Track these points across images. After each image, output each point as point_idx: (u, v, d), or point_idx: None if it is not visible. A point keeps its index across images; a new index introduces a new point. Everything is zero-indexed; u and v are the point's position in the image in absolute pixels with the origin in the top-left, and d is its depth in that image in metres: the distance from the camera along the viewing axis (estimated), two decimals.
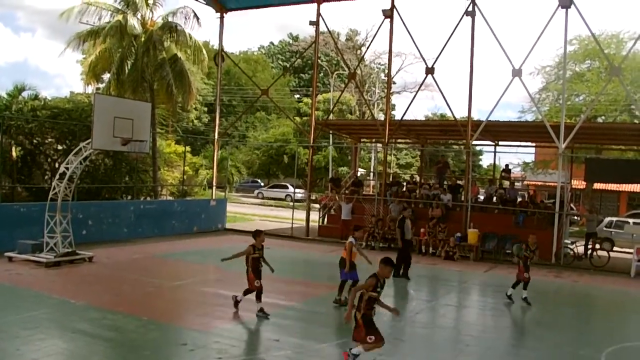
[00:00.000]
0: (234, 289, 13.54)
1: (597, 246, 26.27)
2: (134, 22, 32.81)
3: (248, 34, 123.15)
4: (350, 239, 14.46)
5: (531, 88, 43.62)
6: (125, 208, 25.42)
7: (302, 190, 45.55)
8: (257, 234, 12.92)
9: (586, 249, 26.19)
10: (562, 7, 24.58)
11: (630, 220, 34.59)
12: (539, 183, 45.78)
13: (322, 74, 70.56)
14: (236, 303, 12.91)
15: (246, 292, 12.80)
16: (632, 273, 22.55)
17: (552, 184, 28.74)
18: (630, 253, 24.22)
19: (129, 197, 29.62)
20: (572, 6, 24.47)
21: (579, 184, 39.71)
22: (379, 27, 28.60)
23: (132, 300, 14.00)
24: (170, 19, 33.94)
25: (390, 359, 10.46)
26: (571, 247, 25.66)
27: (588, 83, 39.21)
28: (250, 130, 72.29)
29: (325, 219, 30.91)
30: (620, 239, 30.98)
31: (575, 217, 35.99)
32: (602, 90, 31.07)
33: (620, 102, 38.47)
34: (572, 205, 36.82)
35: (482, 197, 29.78)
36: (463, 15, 26.24)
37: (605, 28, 43.34)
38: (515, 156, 62.47)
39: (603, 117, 40.91)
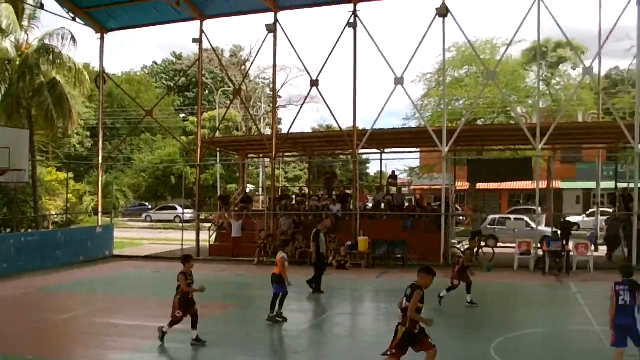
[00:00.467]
0: (125, 318, 13.18)
1: (483, 243, 27.32)
2: (6, 45, 31.55)
3: (130, 54, 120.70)
4: (282, 254, 14.49)
5: (413, 95, 44.89)
6: (4, 242, 24.11)
7: (191, 211, 44.99)
8: (186, 259, 12.46)
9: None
10: (439, 16, 25.53)
11: (512, 217, 36.17)
12: (425, 187, 47.04)
13: (207, 91, 69.97)
14: (198, 339, 12.13)
15: (193, 323, 12.11)
16: (515, 266, 23.62)
17: (438, 187, 29.64)
18: (513, 247, 25.29)
19: (8, 230, 28.30)
20: (449, 15, 25.44)
21: (463, 185, 41.12)
22: (263, 42, 28.77)
23: (14, 338, 13.18)
24: (47, 42, 32.77)
25: None
26: (458, 246, 26.53)
27: (467, 88, 40.59)
28: (135, 153, 70.62)
29: (216, 238, 30.50)
30: (503, 235, 32.33)
31: (461, 217, 37.20)
32: (480, 94, 32.33)
33: (497, 104, 40.16)
34: (457, 206, 38.09)
35: (370, 205, 30.32)
36: (345, 27, 26.75)
37: (480, 35, 45.14)
38: (401, 162, 63.89)
39: (482, 120, 42.54)
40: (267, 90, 65.98)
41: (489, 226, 32.92)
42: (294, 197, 31.68)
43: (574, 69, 43.46)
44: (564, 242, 23.81)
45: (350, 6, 26.72)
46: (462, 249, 17.70)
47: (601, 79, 34.97)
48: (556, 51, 43.36)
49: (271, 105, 38.51)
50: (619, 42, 36.91)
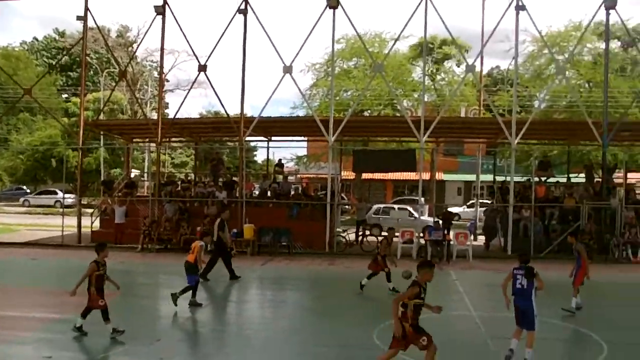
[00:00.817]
0: (3, 308, 12.51)
1: (367, 232, 27.87)
2: None
3: (8, 27, 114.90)
4: (201, 242, 14.58)
5: (302, 84, 45.08)
6: None
7: (72, 195, 43.36)
8: (100, 248, 11.82)
9: (357, 236, 27.64)
10: (330, 8, 25.74)
11: (396, 206, 37.08)
12: (312, 176, 47.48)
13: (91, 72, 67.52)
14: (79, 329, 11.46)
15: (85, 313, 11.42)
16: (398, 255, 24.17)
17: (324, 175, 29.95)
18: (397, 236, 25.90)
19: None
20: (339, 7, 25.70)
21: (349, 174, 41.72)
22: (151, 24, 28.01)
23: None
24: None
25: None
26: (343, 235, 26.93)
27: (355, 79, 41.13)
28: (12, 134, 67.19)
29: (99, 224, 29.59)
30: (387, 224, 33.01)
31: (347, 207, 37.78)
32: (367, 86, 32.84)
33: (384, 97, 40.96)
34: (343, 195, 38.65)
35: (257, 193, 30.27)
36: (235, 13, 26.50)
37: (369, 28, 45.86)
38: (288, 150, 64.20)
39: (369, 111, 43.30)
40: (155, 74, 64.46)
41: (373, 215, 33.60)
42: (179, 183, 31.17)
43: (458, 66, 44.94)
44: (445, 232, 24.62)
45: None
46: (379, 239, 18.13)
47: (483, 77, 36.39)
48: (442, 48, 44.64)
49: (158, 89, 37.67)
50: (500, 43, 38.49)
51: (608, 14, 26.02)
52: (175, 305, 13.93)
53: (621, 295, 17.39)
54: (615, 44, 41.47)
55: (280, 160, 34.33)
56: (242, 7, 26.45)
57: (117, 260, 22.55)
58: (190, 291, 14.26)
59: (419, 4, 25.49)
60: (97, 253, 11.73)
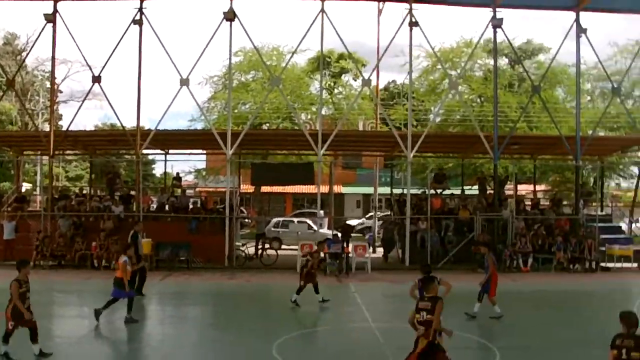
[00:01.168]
0: None
1: (267, 246, 27.78)
2: None
3: None
4: (123, 257, 14.47)
5: (201, 97, 44.70)
6: None
7: None
8: (22, 265, 11.17)
9: (257, 250, 27.47)
10: (227, 20, 25.63)
11: (295, 220, 37.10)
12: (211, 189, 46.94)
13: None
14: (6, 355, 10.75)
15: (6, 338, 10.74)
16: (297, 267, 24.13)
17: (223, 189, 29.64)
18: (296, 249, 25.92)
19: None
20: (236, 19, 25.60)
21: (248, 188, 41.52)
22: (40, 33, 27.05)
23: None
24: None
25: None
26: (242, 249, 26.73)
27: (253, 92, 41.04)
28: None
29: None
30: (287, 237, 33.05)
31: (246, 220, 37.55)
32: (265, 99, 32.84)
33: (282, 110, 41.00)
34: (242, 208, 38.40)
35: (154, 206, 29.64)
36: (130, 24, 25.95)
37: (267, 41, 45.69)
38: (187, 164, 63.20)
39: (268, 125, 43.22)
40: (47, 84, 62.11)
41: (273, 229, 33.51)
42: (73, 197, 30.10)
43: (355, 80, 45.58)
44: (345, 244, 24.79)
45: (137, 2, 25.98)
46: (310, 252, 18.16)
47: (379, 91, 37.03)
48: (339, 62, 45.19)
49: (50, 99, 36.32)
50: (396, 58, 39.26)
51: (495, 32, 27.17)
52: (97, 320, 13.68)
53: (514, 304, 17.97)
54: (503, 61, 43.16)
55: (178, 173, 33.72)
56: (137, 17, 25.92)
57: (6, 278, 21.62)
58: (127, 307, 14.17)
59: (316, 18, 25.78)
60: (19, 270, 11.19)
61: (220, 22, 25.74)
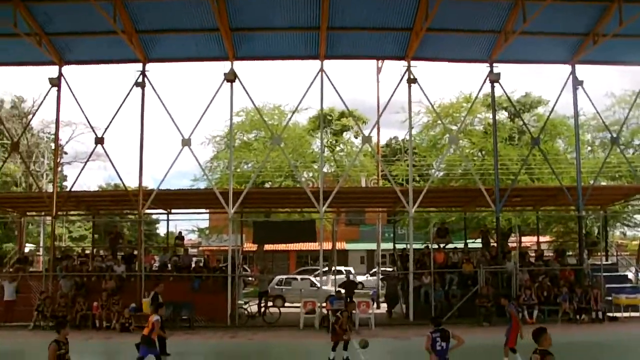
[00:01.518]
0: None
1: (270, 304, 27.64)
2: None
3: None
4: (156, 316, 14.97)
5: (203, 157, 44.95)
6: None
7: None
8: (61, 325, 11.04)
9: (259, 308, 27.31)
10: (227, 81, 26.08)
11: (298, 277, 36.99)
12: (214, 248, 46.95)
13: None
14: None
15: None
16: (301, 325, 24.03)
17: (226, 247, 29.64)
18: (299, 307, 25.77)
19: None
20: (237, 80, 26.04)
21: (251, 246, 41.49)
22: (45, 96, 27.49)
23: None
24: None
25: None
26: (245, 307, 26.59)
27: (255, 151, 41.36)
28: None
29: None
30: (290, 294, 32.89)
31: (249, 278, 37.42)
32: (266, 157, 33.08)
33: (284, 168, 41.26)
34: (245, 266, 38.33)
35: (157, 266, 29.59)
36: (133, 86, 26.41)
37: (268, 100, 46.24)
38: (190, 223, 63.34)
39: (270, 183, 43.46)
40: (52, 145, 62.64)
41: (276, 286, 33.39)
42: (76, 257, 30.09)
43: (356, 137, 45.93)
44: (348, 300, 24.62)
45: (139, 65, 26.48)
46: (339, 313, 18.39)
47: (381, 147, 37.34)
48: (340, 120, 45.66)
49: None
50: (397, 114, 39.74)
51: (493, 87, 27.53)
52: None
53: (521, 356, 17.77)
54: (503, 115, 43.51)
55: (180, 232, 33.81)
56: (140, 80, 26.39)
57: (9, 340, 21.54)
58: None
59: (315, 77, 26.19)
60: (58, 331, 10.98)
61: (222, 84, 26.18)
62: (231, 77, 26.07)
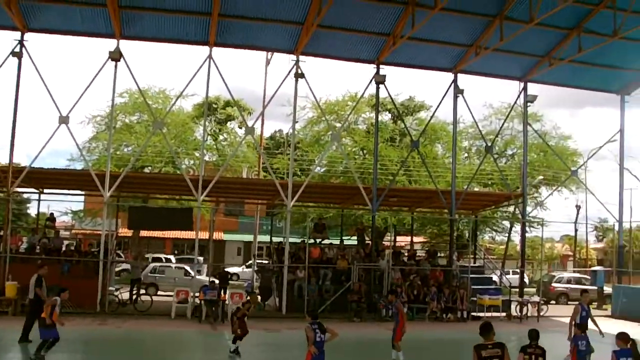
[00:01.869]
0: None
1: (142, 291, 27.07)
2: None
3: None
4: (56, 299, 14.83)
5: (82, 137, 43.21)
6: None
7: None
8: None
9: (131, 295, 26.67)
10: (112, 60, 25.16)
11: (173, 265, 36.44)
12: (88, 231, 45.50)
13: None
14: None
15: None
16: (172, 314, 23.69)
17: (100, 232, 28.70)
18: (172, 296, 25.39)
19: None
20: (122, 60, 25.21)
21: (126, 231, 40.48)
22: None
23: None
24: None
25: None
26: (116, 294, 25.90)
27: (136, 135, 40.28)
28: None
29: None
30: (163, 283, 32.36)
31: (123, 264, 36.48)
32: (147, 141, 32.31)
33: (165, 154, 40.39)
34: (120, 252, 37.37)
35: (24, 247, 28.31)
36: (9, 56, 25.10)
37: (154, 84, 45.11)
38: (63, 205, 61.02)
39: (150, 168, 42.48)
40: None
41: (150, 274, 32.75)
42: None
43: (241, 128, 45.69)
44: (222, 292, 24.51)
45: (17, 34, 25.18)
46: (242, 302, 18.11)
47: (264, 140, 37.32)
48: (225, 109, 45.28)
49: None
50: (283, 107, 39.90)
51: (378, 88, 28.12)
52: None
53: (382, 350, 18.24)
54: (386, 116, 44.53)
55: (52, 214, 32.51)
56: (17, 49, 25.11)
57: None
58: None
59: (203, 63, 25.80)
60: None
61: (106, 62, 25.29)
62: (116, 55, 25.23)
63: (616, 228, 33.20)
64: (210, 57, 25.93)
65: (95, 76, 25.26)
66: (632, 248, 56.96)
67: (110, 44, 25.64)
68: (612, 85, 31.71)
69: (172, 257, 46.36)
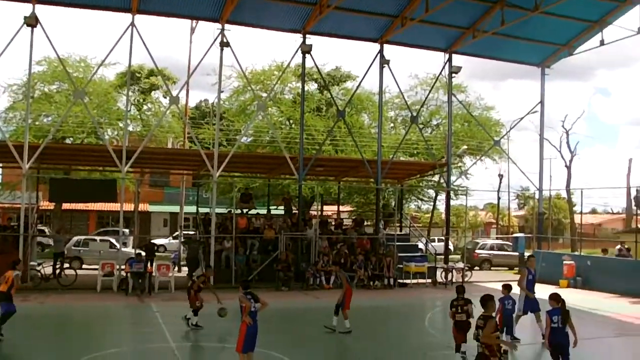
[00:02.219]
0: None
1: (66, 265, 26.51)
2: None
3: None
4: (16, 272, 14.95)
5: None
6: None
7: None
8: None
9: (54, 269, 26.07)
10: (27, 26, 24.05)
11: (97, 238, 35.76)
12: (6, 205, 44.20)
13: None
14: None
15: None
16: (98, 288, 23.32)
17: (19, 205, 27.86)
18: (97, 269, 24.96)
19: None
20: (39, 25, 24.16)
21: (48, 204, 39.46)
22: None
23: None
24: None
25: None
26: (38, 268, 25.27)
27: (57, 104, 39.16)
28: None
29: None
30: (88, 256, 31.77)
31: (45, 238, 35.62)
32: (68, 111, 31.38)
33: (87, 124, 39.39)
34: (43, 227, 36.43)
35: None
36: None
37: (74, 51, 43.85)
38: None
39: (71, 139, 41.36)
40: None
41: (73, 247, 32.10)
42: None
43: (165, 97, 44.91)
44: (149, 264, 24.20)
45: None
46: (196, 276, 18.01)
47: (190, 110, 36.81)
48: (149, 78, 44.38)
49: None
50: (208, 77, 39.45)
51: (304, 58, 28.01)
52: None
53: (311, 319, 18.46)
54: (312, 86, 44.51)
55: None
56: None
57: None
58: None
59: (125, 31, 25.11)
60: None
61: (20, 27, 24.17)
62: (32, 21, 24.08)
63: (536, 196, 34.29)
64: (132, 24, 25.21)
65: (9, 43, 24.07)
66: (551, 215, 59.12)
67: (25, 8, 24.53)
68: (533, 57, 32.52)
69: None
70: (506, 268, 38.14)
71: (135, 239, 31.44)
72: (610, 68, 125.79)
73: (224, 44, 26.29)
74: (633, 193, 47.89)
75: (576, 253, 31.90)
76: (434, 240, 42.20)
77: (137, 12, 25.47)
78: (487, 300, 10.00)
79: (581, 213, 38.23)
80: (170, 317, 17.94)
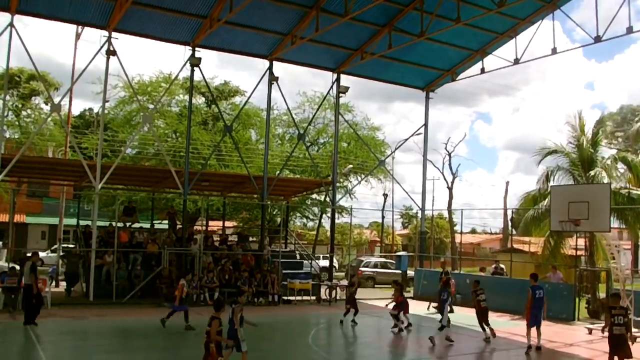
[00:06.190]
0: None
1: None
2: None
3: None
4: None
5: None
6: None
7: None
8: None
9: None
10: None
11: None
12: None
13: None
14: None
15: None
16: None
17: None
18: None
19: None
20: None
21: None
22: None
23: None
24: None
25: None
26: None
27: None
28: None
29: None
30: None
31: None
32: None
33: None
34: None
35: None
36: None
37: None
38: None
39: None
40: None
41: None
42: None
43: (47, 104, 43.30)
44: (21, 278, 23.02)
45: None
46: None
47: (73, 118, 35.59)
48: (29, 83, 42.67)
49: None
50: (93, 85, 38.25)
51: (193, 71, 27.75)
52: None
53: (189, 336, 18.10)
54: (200, 99, 44.06)
55: None
56: None
57: None
58: None
59: (3, 31, 23.91)
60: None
61: None
62: None
63: (419, 216, 35.21)
64: (12, 25, 24.04)
65: None
66: (433, 234, 61.18)
67: None
68: (418, 81, 33.66)
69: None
70: (389, 285, 38.84)
71: (10, 252, 29.91)
72: (491, 95, 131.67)
73: (111, 52, 25.62)
74: (509, 214, 50.22)
75: (456, 271, 32.97)
76: (319, 258, 42.52)
77: (17, 12, 24.31)
78: None
79: (461, 233, 39.75)
80: (46, 335, 17.12)
